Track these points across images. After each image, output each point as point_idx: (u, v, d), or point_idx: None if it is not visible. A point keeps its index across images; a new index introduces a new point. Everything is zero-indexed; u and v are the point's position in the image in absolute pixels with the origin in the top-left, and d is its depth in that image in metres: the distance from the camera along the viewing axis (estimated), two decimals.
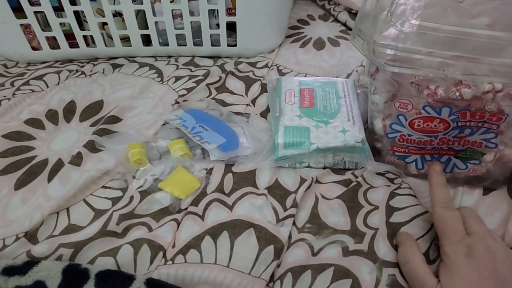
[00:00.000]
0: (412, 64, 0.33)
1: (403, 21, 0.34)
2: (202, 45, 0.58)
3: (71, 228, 0.35)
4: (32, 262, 0.30)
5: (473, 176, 0.39)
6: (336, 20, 0.71)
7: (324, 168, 0.41)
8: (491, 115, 0.34)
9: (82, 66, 0.58)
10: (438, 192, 0.35)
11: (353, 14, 0.69)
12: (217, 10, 0.54)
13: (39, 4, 0.52)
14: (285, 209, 0.37)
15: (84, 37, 0.57)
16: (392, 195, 0.38)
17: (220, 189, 0.38)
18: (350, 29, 0.68)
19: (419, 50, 0.33)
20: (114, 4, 0.53)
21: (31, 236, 0.34)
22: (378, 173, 0.40)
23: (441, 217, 0.32)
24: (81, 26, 0.56)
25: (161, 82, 0.55)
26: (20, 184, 0.39)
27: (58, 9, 0.53)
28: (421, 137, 0.37)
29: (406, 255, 0.32)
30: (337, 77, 0.55)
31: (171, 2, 0.53)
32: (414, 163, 0.40)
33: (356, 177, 0.40)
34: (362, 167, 0.41)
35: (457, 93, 0.33)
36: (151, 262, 0.32)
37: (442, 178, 0.35)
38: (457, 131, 0.36)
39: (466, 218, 0.32)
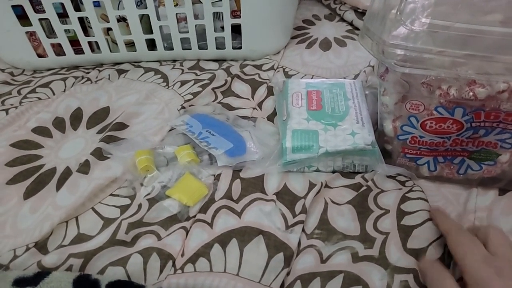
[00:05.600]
0: (423, 64, 0.32)
1: (413, 19, 0.33)
2: (207, 49, 0.58)
3: (81, 238, 0.35)
4: (43, 273, 0.30)
5: (488, 177, 0.38)
6: (342, 19, 0.70)
7: (333, 172, 0.40)
8: (506, 115, 0.33)
9: (88, 73, 0.58)
10: (446, 221, 0.34)
11: (359, 13, 0.68)
12: (222, 12, 0.53)
13: (44, 11, 0.52)
14: (294, 215, 0.36)
15: (89, 43, 0.57)
16: (404, 199, 0.37)
17: (228, 195, 0.37)
18: (357, 29, 0.67)
19: (430, 49, 0.32)
20: (118, 9, 0.53)
21: (41, 246, 0.34)
22: (389, 176, 0.39)
23: (458, 241, 0.30)
24: (86, 32, 0.56)
25: (167, 87, 0.54)
26: (29, 194, 0.39)
27: (63, 16, 0.53)
28: (433, 139, 0.36)
29: (437, 284, 0.29)
30: (344, 78, 0.54)
31: (175, 5, 0.53)
32: (426, 165, 0.39)
33: (367, 180, 0.39)
34: (372, 170, 0.40)
35: (471, 93, 0.32)
36: (161, 271, 0.32)
37: (442, 211, 0.36)
38: (471, 132, 0.35)
39: (488, 238, 0.30)
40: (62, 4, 0.51)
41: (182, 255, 0.33)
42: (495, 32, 0.30)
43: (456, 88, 0.32)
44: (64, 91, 0.54)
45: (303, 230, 0.35)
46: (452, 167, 0.38)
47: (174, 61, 0.61)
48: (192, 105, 0.50)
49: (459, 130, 0.35)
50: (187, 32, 0.56)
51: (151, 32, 0.56)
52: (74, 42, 0.56)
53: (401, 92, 0.35)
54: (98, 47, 0.57)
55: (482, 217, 0.36)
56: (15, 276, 0.30)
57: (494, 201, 0.37)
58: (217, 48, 0.58)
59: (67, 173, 0.41)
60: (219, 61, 0.60)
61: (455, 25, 0.31)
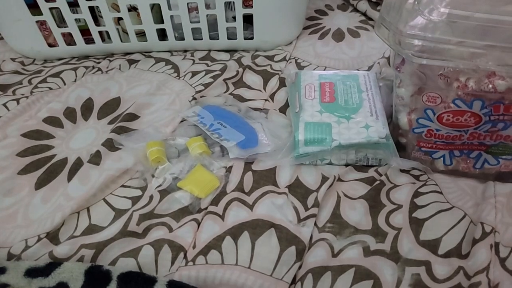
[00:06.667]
0: (441, 55, 0.31)
1: (431, 9, 0.32)
2: (218, 39, 0.57)
3: (92, 229, 0.35)
4: (54, 264, 0.31)
5: (505, 172, 0.37)
6: (356, 9, 0.69)
7: (346, 165, 0.40)
8: None
9: (98, 63, 0.58)
10: None
11: (373, 3, 0.66)
12: (233, 2, 0.53)
13: (54, 0, 0.52)
14: (306, 209, 0.36)
15: (100, 32, 0.56)
16: (417, 194, 0.37)
17: (240, 188, 0.37)
18: (371, 19, 0.65)
19: (449, 40, 0.31)
20: None
21: (53, 237, 0.34)
22: (403, 170, 0.39)
23: None
24: (97, 22, 0.55)
25: (178, 77, 0.54)
26: (40, 184, 0.39)
27: (73, 5, 0.53)
28: (450, 132, 0.35)
29: None
30: (358, 69, 0.53)
31: None
32: (442, 158, 0.38)
33: (380, 175, 0.38)
34: (386, 164, 0.39)
35: (490, 85, 0.31)
36: (172, 263, 0.32)
37: None
38: (489, 125, 0.34)
39: None
40: None
41: (194, 247, 0.33)
42: None
43: (475, 80, 0.31)
44: (75, 81, 0.54)
45: (315, 223, 0.35)
46: (468, 161, 0.38)
47: (185, 51, 0.60)
48: (203, 96, 0.49)
49: (477, 124, 0.34)
50: (198, 22, 0.55)
51: (162, 22, 0.55)
52: (85, 32, 0.56)
53: (418, 84, 0.34)
54: (109, 37, 0.57)
55: (502, 202, 0.35)
56: (27, 267, 0.30)
57: None
58: (228, 38, 0.57)
59: (78, 163, 0.41)
60: (231, 51, 0.59)
61: (474, 15, 0.30)
